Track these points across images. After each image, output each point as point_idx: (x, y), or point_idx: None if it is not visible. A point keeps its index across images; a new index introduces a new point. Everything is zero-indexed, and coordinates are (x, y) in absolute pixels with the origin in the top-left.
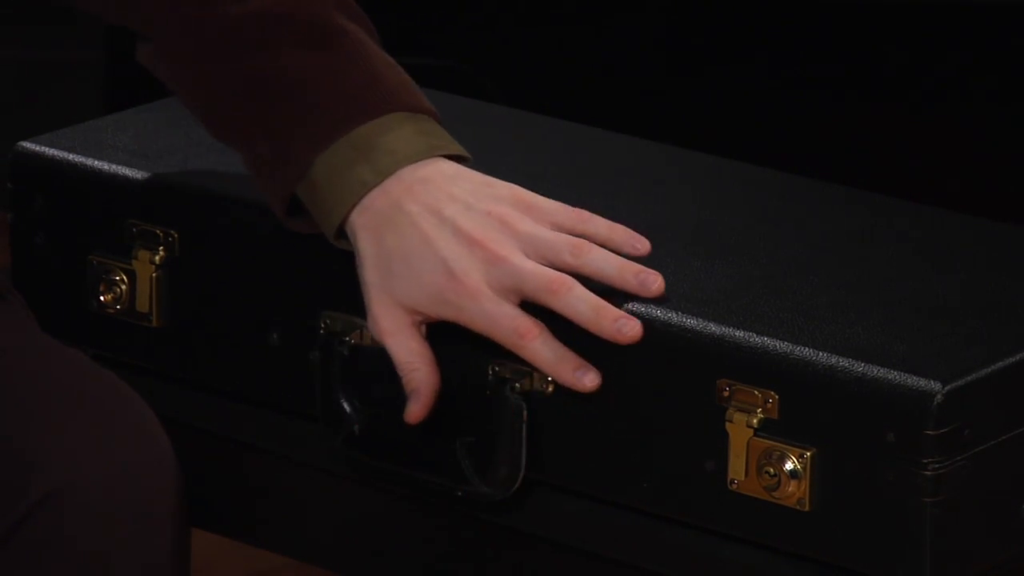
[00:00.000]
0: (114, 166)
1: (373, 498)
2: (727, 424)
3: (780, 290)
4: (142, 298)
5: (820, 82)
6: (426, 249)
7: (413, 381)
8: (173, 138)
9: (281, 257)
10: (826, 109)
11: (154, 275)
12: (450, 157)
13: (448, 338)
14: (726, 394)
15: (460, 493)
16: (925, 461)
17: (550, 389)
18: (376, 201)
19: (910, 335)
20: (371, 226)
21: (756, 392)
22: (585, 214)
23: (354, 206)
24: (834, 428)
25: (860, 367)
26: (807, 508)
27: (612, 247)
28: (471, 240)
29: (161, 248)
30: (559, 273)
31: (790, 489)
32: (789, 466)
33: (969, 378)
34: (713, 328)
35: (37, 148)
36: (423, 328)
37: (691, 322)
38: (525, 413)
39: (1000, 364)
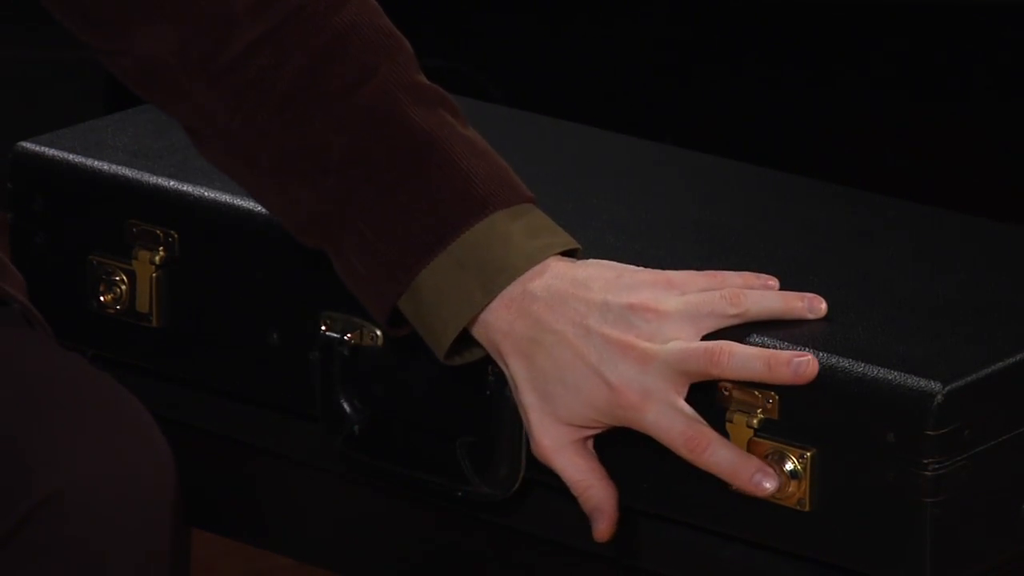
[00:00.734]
0: (114, 166)
1: (373, 498)
2: (727, 424)
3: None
4: (142, 298)
5: (820, 82)
6: (580, 364)
7: (592, 500)
8: (173, 138)
9: (281, 257)
10: (826, 109)
11: (154, 275)
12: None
13: None
14: (726, 394)
15: (460, 493)
16: (925, 461)
17: None
18: (499, 322)
19: (910, 335)
20: (517, 351)
21: (756, 392)
22: (715, 273)
23: (466, 326)
24: (834, 428)
25: (860, 367)
26: (807, 508)
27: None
28: (621, 345)
29: (161, 248)
30: (713, 343)
31: (790, 489)
32: (789, 466)
33: (969, 378)
34: None
35: (37, 148)
36: (589, 442)
37: None
38: None
39: (1000, 364)
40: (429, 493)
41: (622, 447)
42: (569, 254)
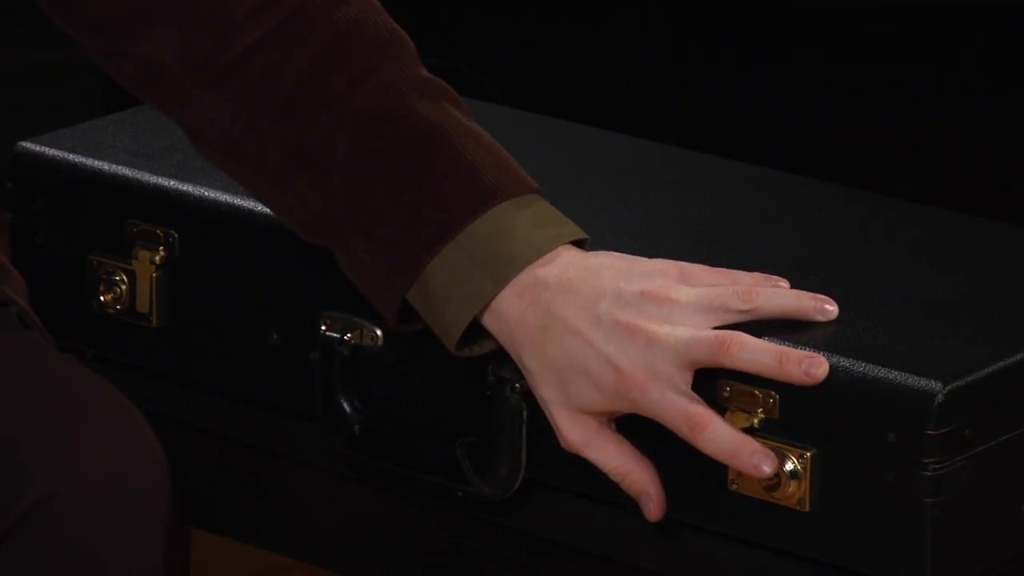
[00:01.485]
0: (114, 166)
1: (373, 498)
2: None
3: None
4: (142, 298)
5: (820, 82)
6: (589, 351)
7: (634, 485)
8: (173, 138)
9: (281, 257)
10: (826, 109)
11: (154, 275)
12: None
13: None
14: (726, 394)
15: (460, 493)
16: (926, 461)
17: None
18: (511, 311)
19: (910, 335)
20: (530, 340)
21: (756, 392)
22: (727, 271)
23: (477, 316)
24: (834, 428)
25: (860, 367)
26: (807, 508)
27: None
28: (631, 328)
29: (161, 248)
30: (724, 332)
31: (790, 489)
32: (789, 466)
33: (969, 378)
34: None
35: (37, 148)
36: (612, 425)
37: None
38: (525, 413)
39: (1000, 364)
40: (429, 493)
41: None
42: (578, 244)
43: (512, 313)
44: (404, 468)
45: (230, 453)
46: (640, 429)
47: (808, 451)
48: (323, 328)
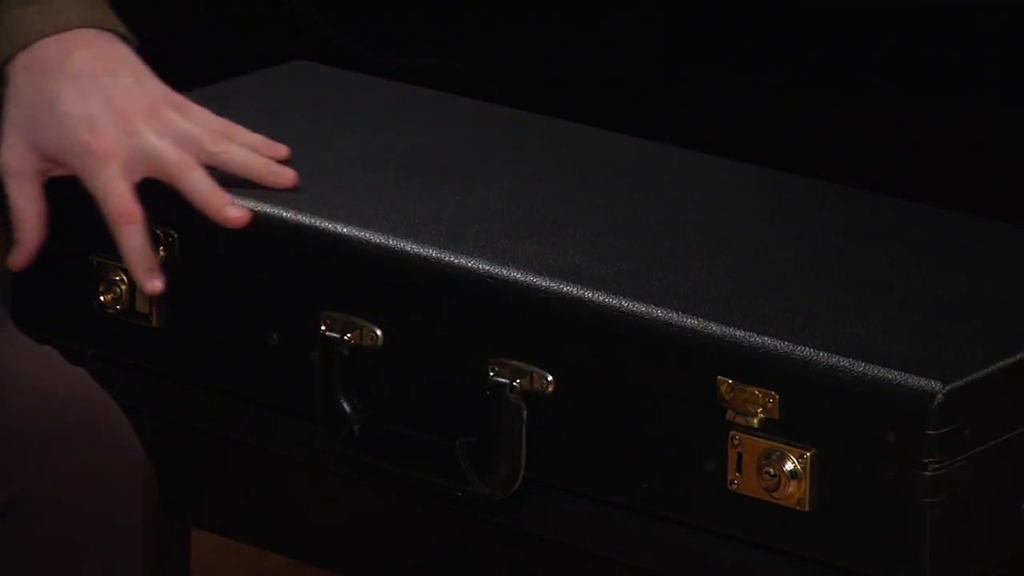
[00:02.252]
0: None
1: (373, 498)
2: (727, 423)
3: (780, 290)
4: (142, 298)
5: (820, 82)
6: (79, 101)
7: (24, 231)
8: None
9: (281, 257)
10: (825, 109)
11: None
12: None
13: (448, 338)
14: (726, 394)
15: (460, 493)
16: (925, 461)
17: (550, 389)
18: (48, 48)
19: (910, 335)
20: (35, 67)
21: (756, 392)
22: (227, 122)
23: (22, 48)
24: (834, 428)
25: (860, 367)
26: (807, 508)
27: (252, 149)
28: (122, 110)
29: (161, 248)
30: (184, 156)
31: (790, 489)
32: (789, 466)
33: (969, 378)
34: (713, 328)
35: None
36: (45, 177)
37: (691, 322)
38: (525, 413)
39: (1000, 364)
40: (429, 493)
41: (622, 447)
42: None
43: (48, 49)
44: (404, 468)
45: (230, 453)
46: (639, 429)
47: (808, 451)
48: (323, 328)
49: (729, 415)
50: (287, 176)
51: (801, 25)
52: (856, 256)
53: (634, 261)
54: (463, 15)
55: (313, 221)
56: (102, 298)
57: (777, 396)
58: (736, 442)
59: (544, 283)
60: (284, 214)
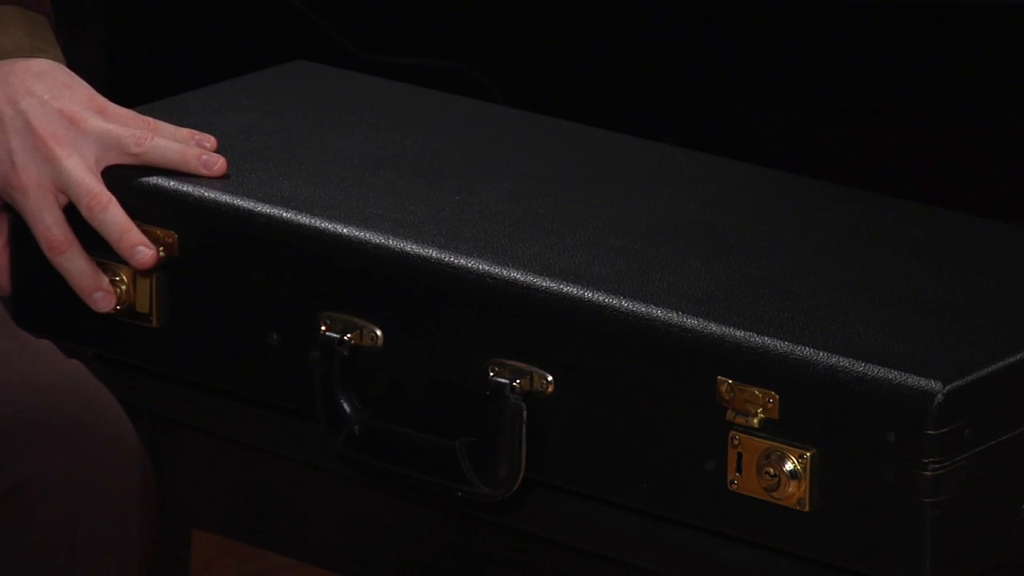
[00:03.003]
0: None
1: (373, 498)
2: (727, 423)
3: (780, 290)
4: (142, 298)
5: (820, 82)
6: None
7: None
8: None
9: (281, 257)
10: (826, 109)
11: (154, 275)
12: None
13: (448, 338)
14: (726, 394)
15: (460, 493)
16: (925, 461)
17: (550, 389)
18: None
19: (910, 335)
20: None
21: (756, 392)
22: (152, 120)
23: None
24: (834, 428)
25: (860, 367)
26: (807, 508)
27: (180, 142)
28: (36, 136)
29: (161, 248)
30: (100, 190)
31: (790, 489)
32: (789, 466)
33: (969, 378)
34: (713, 328)
35: None
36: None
37: (691, 322)
38: (525, 413)
39: (1000, 364)
40: (429, 493)
41: (622, 447)
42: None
43: None
44: (404, 468)
45: (230, 453)
46: (639, 429)
47: (808, 451)
48: (323, 328)
49: (729, 415)
50: (218, 164)
51: (801, 25)
52: (856, 256)
53: (634, 261)
54: (463, 15)
55: (313, 221)
56: None
57: (777, 396)
58: (736, 442)
59: (544, 283)
60: (283, 214)
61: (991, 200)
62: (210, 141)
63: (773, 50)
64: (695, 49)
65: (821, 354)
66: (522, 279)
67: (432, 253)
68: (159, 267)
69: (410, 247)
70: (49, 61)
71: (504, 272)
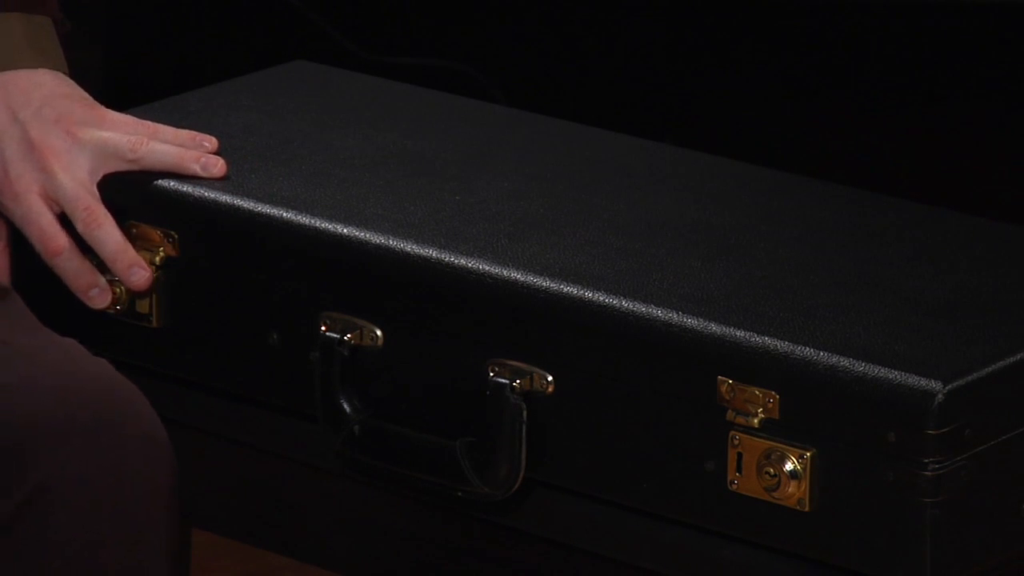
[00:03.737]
0: None
1: (373, 498)
2: (727, 423)
3: (780, 290)
4: (142, 298)
5: (820, 82)
6: None
7: None
8: None
9: (281, 258)
10: (826, 109)
11: (154, 275)
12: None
13: (448, 338)
14: (726, 394)
15: (460, 493)
16: (925, 461)
17: (550, 389)
18: None
19: (910, 335)
20: None
21: (756, 392)
22: (152, 124)
23: None
24: (834, 428)
25: (860, 367)
26: (807, 508)
27: (179, 144)
28: (33, 147)
29: (161, 248)
30: (95, 207)
31: (790, 489)
32: (789, 466)
33: (969, 378)
34: (713, 328)
35: None
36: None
37: (691, 322)
38: (525, 413)
39: (1000, 364)
40: (429, 493)
41: (622, 447)
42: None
43: None
44: (404, 468)
45: (230, 453)
46: (639, 429)
47: (808, 451)
48: (323, 328)
49: (729, 415)
50: (217, 167)
51: (801, 25)
52: (856, 256)
53: (634, 261)
54: (463, 15)
55: (313, 221)
56: None
57: (777, 396)
58: (736, 442)
59: (544, 283)
60: (283, 214)
61: (991, 200)
62: (210, 142)
63: (773, 50)
64: (694, 49)
65: (821, 354)
66: (522, 279)
67: (432, 253)
68: (159, 267)
69: (410, 247)
70: (48, 71)
71: (504, 272)
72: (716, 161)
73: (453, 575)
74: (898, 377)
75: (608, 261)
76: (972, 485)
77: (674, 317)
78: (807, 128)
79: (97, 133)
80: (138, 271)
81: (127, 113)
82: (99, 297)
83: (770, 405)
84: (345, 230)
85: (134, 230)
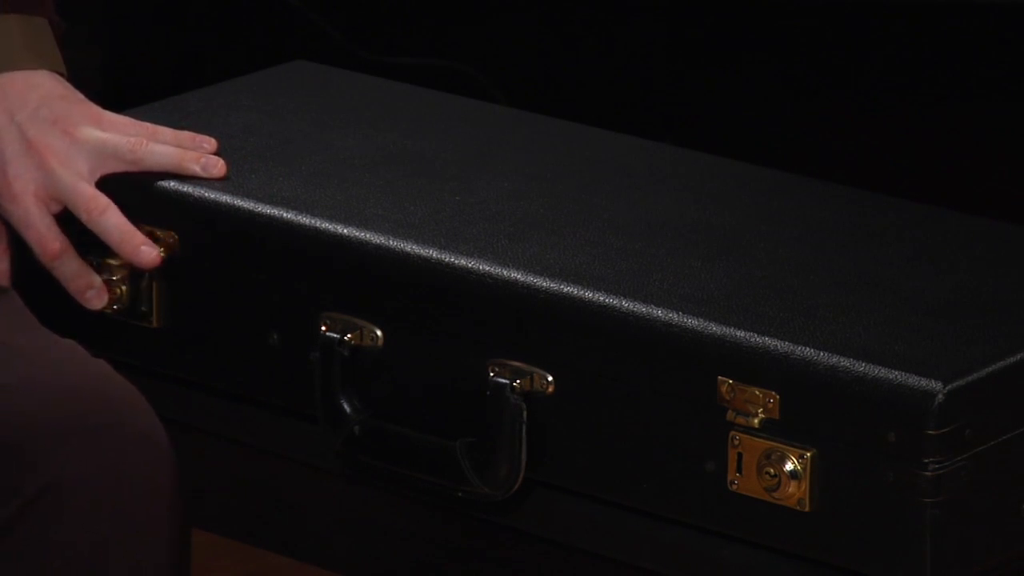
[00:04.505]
0: None
1: (373, 498)
2: (727, 423)
3: (780, 290)
4: (142, 298)
5: (820, 82)
6: None
7: None
8: None
9: (281, 257)
10: (826, 109)
11: (154, 275)
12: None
13: (448, 338)
14: (726, 394)
15: (460, 493)
16: (925, 461)
17: (550, 389)
18: None
19: (910, 335)
20: None
21: (756, 392)
22: (151, 125)
23: None
24: (834, 428)
25: (860, 367)
26: (807, 508)
27: (178, 145)
28: (30, 145)
29: (161, 248)
30: (97, 195)
31: (790, 489)
32: (789, 466)
33: (969, 378)
34: (713, 328)
35: None
36: None
37: (691, 322)
38: (525, 413)
39: (1000, 364)
40: (429, 493)
41: (622, 447)
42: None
43: None
44: (404, 468)
45: (230, 453)
46: (639, 429)
47: (808, 451)
48: (323, 328)
49: (729, 415)
50: (217, 167)
51: (801, 25)
52: (856, 256)
53: (634, 261)
54: (463, 15)
55: (313, 221)
56: None
57: (777, 396)
58: (736, 442)
59: (544, 283)
60: (284, 214)
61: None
62: (210, 143)
63: (772, 50)
64: (694, 49)
65: (821, 354)
66: (522, 279)
67: (432, 253)
68: (159, 267)
69: (410, 247)
70: (46, 73)
71: (504, 272)
72: (716, 161)
73: (453, 575)
74: (898, 377)
75: (608, 261)
76: (972, 485)
77: (674, 317)
78: (807, 128)
79: (96, 133)
80: (147, 250)
81: (126, 114)
82: (96, 298)
83: (770, 405)
84: (345, 230)
85: None
